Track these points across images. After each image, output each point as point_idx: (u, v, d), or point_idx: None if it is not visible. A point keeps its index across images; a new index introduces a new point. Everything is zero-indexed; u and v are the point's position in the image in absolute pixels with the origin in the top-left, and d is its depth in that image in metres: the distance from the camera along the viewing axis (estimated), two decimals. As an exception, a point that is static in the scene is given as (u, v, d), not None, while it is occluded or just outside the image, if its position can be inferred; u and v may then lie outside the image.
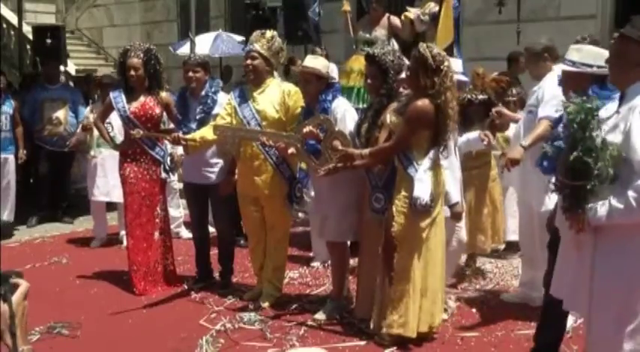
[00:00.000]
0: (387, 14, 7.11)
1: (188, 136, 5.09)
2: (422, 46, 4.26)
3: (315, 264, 6.30)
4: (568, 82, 4.00)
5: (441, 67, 4.17)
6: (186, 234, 7.33)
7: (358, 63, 6.56)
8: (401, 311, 4.26)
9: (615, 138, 2.70)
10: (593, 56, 3.91)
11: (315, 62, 4.86)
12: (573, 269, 2.86)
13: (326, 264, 6.09)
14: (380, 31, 7.03)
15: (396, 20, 7.05)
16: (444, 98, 4.16)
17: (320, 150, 4.59)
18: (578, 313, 2.85)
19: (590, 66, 3.90)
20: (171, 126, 5.78)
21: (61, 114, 8.27)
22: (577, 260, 2.84)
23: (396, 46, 6.54)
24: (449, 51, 5.72)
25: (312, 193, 5.24)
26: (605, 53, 3.79)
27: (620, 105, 2.82)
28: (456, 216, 4.56)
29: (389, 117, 4.37)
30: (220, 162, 5.46)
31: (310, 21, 8.71)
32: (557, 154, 2.79)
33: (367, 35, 7.01)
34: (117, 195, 6.51)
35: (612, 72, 2.92)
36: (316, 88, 4.77)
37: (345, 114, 4.74)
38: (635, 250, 2.70)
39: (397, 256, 4.24)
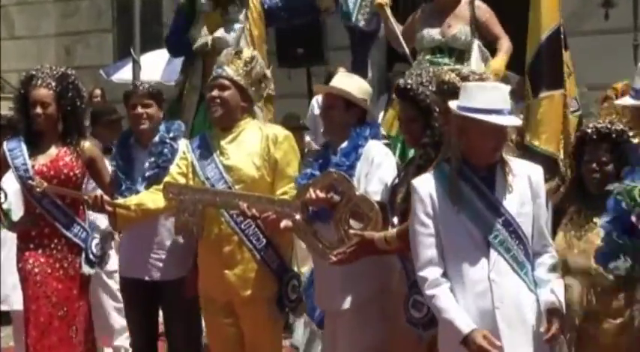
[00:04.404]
0: None
1: (118, 201, 5.13)
2: (442, 73, 4.36)
3: None
4: (633, 121, 3.99)
5: None
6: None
7: None
8: None
9: None
10: None
11: (346, 82, 5.02)
12: None
13: None
14: (459, 26, 6.46)
15: (484, 11, 6.47)
16: None
17: (331, 224, 4.63)
18: None
19: None
20: (98, 192, 5.77)
21: None
22: None
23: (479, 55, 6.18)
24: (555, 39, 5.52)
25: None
26: None
27: None
28: None
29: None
30: (179, 245, 5.50)
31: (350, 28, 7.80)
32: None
33: (438, 36, 6.42)
34: (19, 301, 6.41)
35: None
36: (342, 117, 4.91)
37: (385, 160, 4.84)
38: None
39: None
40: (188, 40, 6.91)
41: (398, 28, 6.69)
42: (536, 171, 4.21)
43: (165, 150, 5.53)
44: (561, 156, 5.38)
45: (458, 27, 6.36)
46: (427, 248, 4.08)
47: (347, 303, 4.79)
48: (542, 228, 4.19)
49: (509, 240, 4.03)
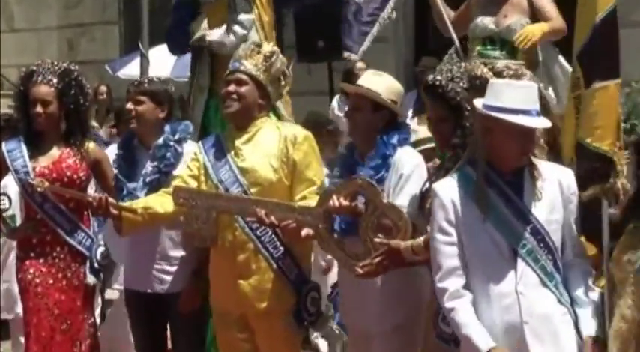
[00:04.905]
0: None
1: (123, 204, 5.13)
2: (474, 67, 4.31)
3: None
4: None
5: None
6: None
7: None
8: None
9: None
10: None
11: (374, 80, 4.98)
12: None
13: None
14: (515, 17, 6.45)
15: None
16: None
17: (357, 234, 4.62)
18: None
19: None
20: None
21: None
22: None
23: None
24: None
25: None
26: None
27: None
28: None
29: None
30: (183, 255, 5.51)
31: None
32: None
33: (491, 26, 6.43)
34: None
35: None
36: (368, 120, 4.88)
37: (414, 172, 4.83)
38: None
39: None
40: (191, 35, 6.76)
41: (446, 11, 6.63)
42: (567, 176, 4.17)
43: (168, 154, 5.48)
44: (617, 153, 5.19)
45: (514, 18, 6.33)
46: (448, 257, 4.06)
47: (385, 324, 4.81)
48: (574, 236, 4.16)
49: (537, 250, 4.00)
